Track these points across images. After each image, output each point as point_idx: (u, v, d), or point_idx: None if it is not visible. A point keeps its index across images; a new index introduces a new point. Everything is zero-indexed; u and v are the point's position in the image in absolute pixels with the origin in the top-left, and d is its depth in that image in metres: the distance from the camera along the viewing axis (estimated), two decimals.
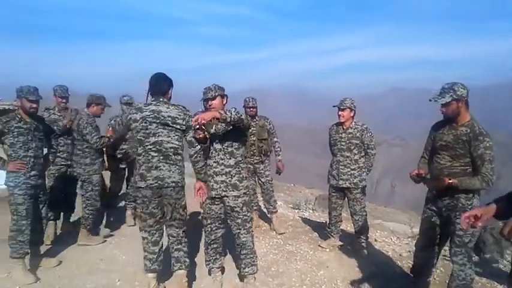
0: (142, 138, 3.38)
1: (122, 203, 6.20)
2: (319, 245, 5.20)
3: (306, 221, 6.65)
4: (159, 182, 3.37)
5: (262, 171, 5.51)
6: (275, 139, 5.61)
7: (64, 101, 5.05)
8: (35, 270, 4.08)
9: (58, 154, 4.91)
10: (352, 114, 4.77)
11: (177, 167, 3.44)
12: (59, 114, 5.03)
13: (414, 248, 5.52)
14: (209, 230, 3.76)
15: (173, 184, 3.42)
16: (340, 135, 4.83)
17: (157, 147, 3.37)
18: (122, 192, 6.13)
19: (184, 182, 3.59)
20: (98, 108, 4.97)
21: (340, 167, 4.80)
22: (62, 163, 4.98)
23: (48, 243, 4.77)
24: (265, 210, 6.07)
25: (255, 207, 5.83)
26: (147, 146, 3.38)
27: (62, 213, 5.22)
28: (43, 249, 4.47)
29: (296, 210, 8.24)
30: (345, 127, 4.81)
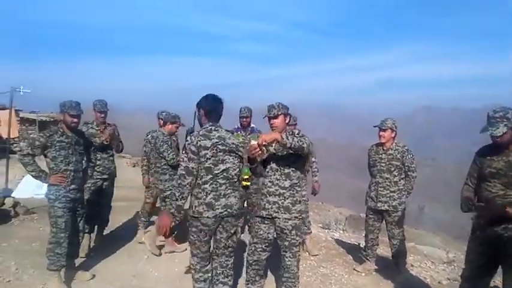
0: (212, 166, 3.22)
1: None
2: (354, 269, 5.05)
3: (339, 242, 6.49)
4: (228, 210, 3.27)
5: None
6: (313, 159, 5.47)
7: (103, 115, 5.11)
8: (70, 283, 4.11)
9: (95, 168, 4.97)
10: (393, 135, 4.66)
11: (239, 193, 3.40)
12: (97, 128, 5.09)
13: (453, 275, 5.35)
14: (253, 249, 3.67)
15: (236, 211, 3.35)
16: (380, 156, 4.71)
17: (225, 174, 3.27)
18: None
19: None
20: (173, 126, 5.19)
21: (379, 188, 4.67)
22: (98, 177, 5.02)
23: (83, 256, 4.80)
24: None
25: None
26: (216, 173, 3.24)
27: (96, 226, 5.25)
28: (77, 261, 4.50)
29: (326, 230, 8.08)
30: (385, 148, 4.69)
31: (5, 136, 16.19)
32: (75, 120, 4.03)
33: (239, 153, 3.38)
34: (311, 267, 5.07)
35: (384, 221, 4.79)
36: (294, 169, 3.54)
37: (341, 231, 8.36)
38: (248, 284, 3.78)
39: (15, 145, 15.16)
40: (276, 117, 3.52)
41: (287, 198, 3.52)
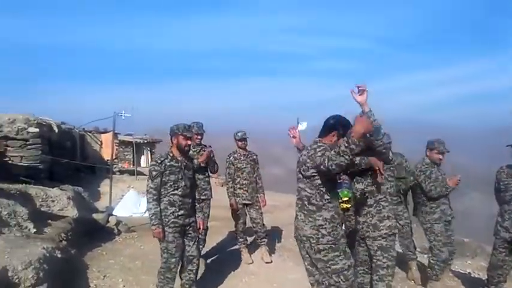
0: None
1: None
2: None
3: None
4: None
5: (401, 213, 5.03)
6: (411, 178, 5.11)
7: (199, 137, 5.21)
8: None
9: None
10: None
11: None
12: (193, 150, 5.16)
13: None
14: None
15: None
16: None
17: None
18: None
19: None
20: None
21: None
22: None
23: None
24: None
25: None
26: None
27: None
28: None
29: (425, 255, 7.46)
30: None
31: (106, 158, 17.57)
32: (189, 142, 4.04)
33: None
34: None
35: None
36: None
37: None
38: None
39: (114, 166, 16.26)
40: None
41: (374, 216, 3.46)
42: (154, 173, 3.82)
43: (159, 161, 3.90)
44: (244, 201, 5.67)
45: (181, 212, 3.95)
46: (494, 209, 4.91)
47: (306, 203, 3.04)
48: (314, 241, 2.95)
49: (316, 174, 2.95)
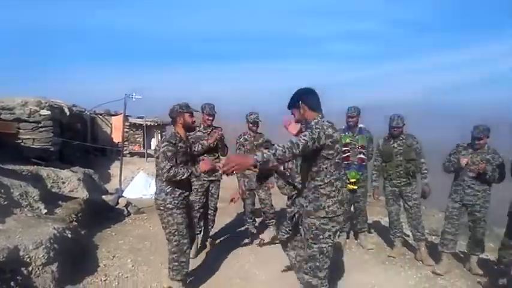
0: (340, 161, 2.98)
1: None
2: (478, 282, 4.51)
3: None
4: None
5: (410, 194, 5.00)
6: (422, 160, 5.06)
7: (211, 118, 5.19)
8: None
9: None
10: None
11: None
12: (204, 131, 5.19)
13: None
14: None
15: None
16: None
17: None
18: None
19: None
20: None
21: None
22: (205, 179, 5.08)
23: (191, 257, 4.89)
24: (410, 236, 5.53)
25: (398, 234, 5.33)
26: (341, 169, 3.03)
27: (203, 228, 5.35)
28: None
29: (434, 237, 7.44)
30: None
31: (117, 140, 17.73)
32: (194, 119, 3.99)
33: None
34: (427, 278, 4.61)
35: None
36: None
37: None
38: None
39: (125, 148, 16.39)
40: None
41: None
42: (169, 153, 3.68)
43: (173, 141, 3.77)
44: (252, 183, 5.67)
45: (187, 193, 3.95)
46: (504, 191, 4.87)
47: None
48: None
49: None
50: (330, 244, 2.91)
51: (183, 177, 3.69)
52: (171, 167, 3.64)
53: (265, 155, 2.58)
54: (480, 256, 5.04)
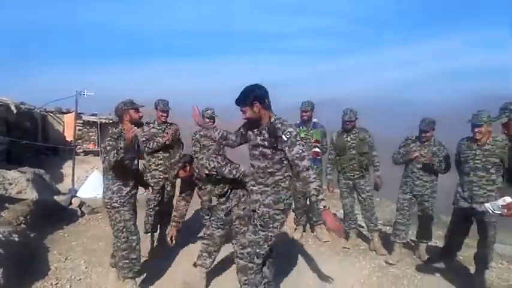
0: None
1: None
2: (426, 267, 4.72)
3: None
4: None
5: (363, 187, 5.16)
6: (374, 153, 5.23)
7: (165, 114, 5.10)
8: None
9: (155, 168, 5.01)
10: (490, 129, 4.11)
11: None
12: (158, 128, 5.09)
13: None
14: None
15: None
16: (474, 152, 4.22)
17: None
18: None
19: None
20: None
21: (474, 188, 4.19)
22: (160, 177, 5.02)
23: (146, 256, 4.81)
24: (364, 228, 5.70)
25: (352, 226, 5.48)
26: None
27: (158, 226, 5.26)
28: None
29: (387, 227, 7.72)
30: (480, 143, 4.23)
31: (69, 139, 17.10)
32: (141, 114, 3.90)
33: None
34: (380, 267, 4.79)
35: (471, 223, 4.36)
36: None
37: None
38: None
39: (78, 147, 15.86)
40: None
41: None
42: (109, 148, 3.62)
43: (115, 136, 3.72)
44: None
45: (134, 191, 3.93)
46: (451, 181, 5.10)
47: None
48: None
49: None
50: (276, 234, 3.11)
51: (124, 157, 3.64)
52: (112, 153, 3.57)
53: (321, 195, 2.85)
54: (429, 243, 5.28)
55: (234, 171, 3.79)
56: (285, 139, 2.90)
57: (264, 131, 3.03)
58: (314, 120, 5.46)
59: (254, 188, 3.15)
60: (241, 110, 3.11)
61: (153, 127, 5.09)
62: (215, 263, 4.21)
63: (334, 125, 5.75)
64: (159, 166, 5.03)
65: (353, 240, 5.49)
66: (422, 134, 4.82)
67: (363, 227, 6.04)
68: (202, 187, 4.29)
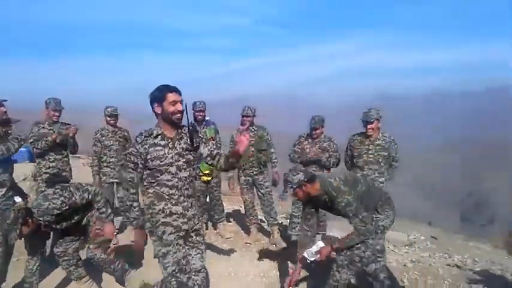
0: None
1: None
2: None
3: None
4: None
5: (262, 183, 5.34)
6: (271, 150, 5.44)
7: (57, 114, 4.82)
8: None
9: (47, 170, 4.76)
10: (379, 125, 4.62)
11: None
12: (49, 128, 4.79)
13: (416, 257, 5.42)
14: None
15: None
16: (367, 146, 4.65)
17: None
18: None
19: None
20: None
21: None
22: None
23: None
24: (265, 222, 5.88)
25: (254, 220, 5.62)
26: None
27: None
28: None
29: (288, 220, 8.01)
30: (372, 139, 4.62)
31: None
32: (4, 109, 3.83)
33: None
34: (279, 262, 4.95)
35: None
36: None
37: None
38: None
39: None
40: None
41: None
42: None
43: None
44: (111, 180, 5.49)
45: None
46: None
47: None
48: None
49: None
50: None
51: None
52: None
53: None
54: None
55: (85, 194, 3.54)
56: None
57: None
58: (207, 118, 5.47)
59: None
60: (153, 110, 2.92)
61: (43, 127, 4.77)
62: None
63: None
64: (51, 169, 4.76)
65: (254, 235, 5.65)
66: (313, 132, 5.10)
67: (264, 221, 6.22)
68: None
